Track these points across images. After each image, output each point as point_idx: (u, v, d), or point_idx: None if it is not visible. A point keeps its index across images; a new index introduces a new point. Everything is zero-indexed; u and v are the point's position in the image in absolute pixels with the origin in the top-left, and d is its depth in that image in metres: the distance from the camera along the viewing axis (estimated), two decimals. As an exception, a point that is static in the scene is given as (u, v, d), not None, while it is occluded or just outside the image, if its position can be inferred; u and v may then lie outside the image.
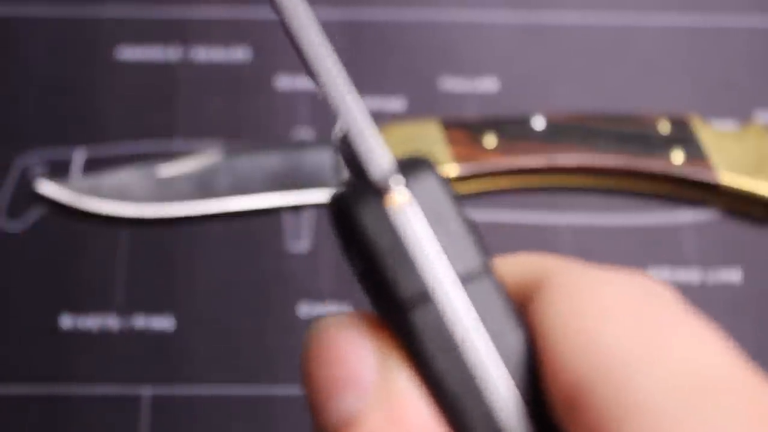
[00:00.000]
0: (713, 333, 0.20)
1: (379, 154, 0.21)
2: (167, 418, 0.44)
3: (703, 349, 0.19)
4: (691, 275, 0.47)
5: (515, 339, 0.20)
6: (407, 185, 0.21)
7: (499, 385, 0.20)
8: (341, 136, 0.21)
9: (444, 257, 0.20)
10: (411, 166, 0.21)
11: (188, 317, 0.46)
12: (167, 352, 0.45)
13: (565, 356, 0.19)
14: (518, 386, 0.20)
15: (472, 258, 0.21)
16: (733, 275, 0.47)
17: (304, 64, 0.21)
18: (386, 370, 0.20)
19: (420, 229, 0.20)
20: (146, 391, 0.44)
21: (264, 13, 0.53)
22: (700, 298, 0.47)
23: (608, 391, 0.18)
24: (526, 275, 0.22)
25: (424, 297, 0.20)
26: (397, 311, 0.20)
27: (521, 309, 0.21)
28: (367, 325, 0.21)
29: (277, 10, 0.20)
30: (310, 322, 0.22)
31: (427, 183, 0.21)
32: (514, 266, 0.23)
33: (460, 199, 0.21)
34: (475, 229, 0.21)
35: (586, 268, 0.21)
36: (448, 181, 0.21)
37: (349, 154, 0.22)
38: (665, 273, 0.47)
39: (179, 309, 0.46)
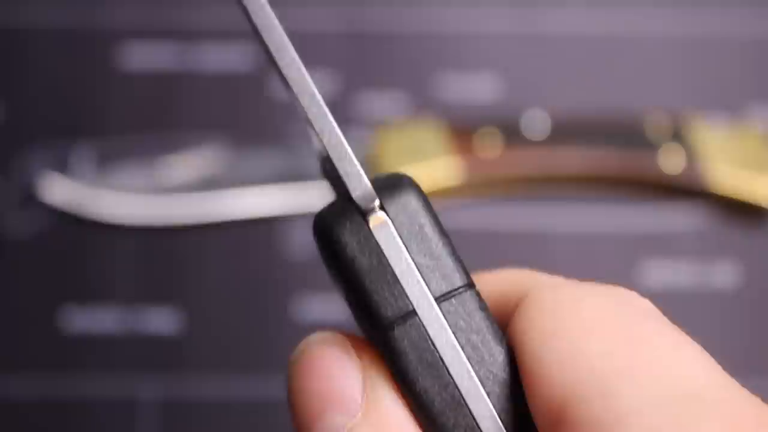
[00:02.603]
0: (692, 344, 0.20)
1: (356, 176, 0.21)
2: (166, 419, 0.44)
3: (684, 360, 0.19)
4: (687, 277, 0.48)
5: (497, 355, 0.21)
6: (386, 205, 0.21)
7: (482, 402, 0.20)
8: (323, 158, 0.22)
9: (424, 275, 0.21)
10: (390, 186, 0.21)
11: (189, 320, 0.46)
12: (168, 354, 0.45)
13: (549, 372, 0.19)
14: (502, 402, 0.20)
15: (452, 275, 0.21)
16: (728, 275, 0.48)
17: (284, 87, 0.21)
18: (372, 388, 0.20)
19: (399, 248, 0.21)
20: (147, 393, 0.44)
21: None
22: (695, 299, 0.47)
23: (593, 405, 0.18)
24: (507, 290, 0.22)
25: (406, 315, 0.21)
26: (380, 330, 0.21)
27: (503, 324, 0.21)
28: (351, 343, 0.21)
29: (258, 38, 0.21)
30: (309, 330, 0.22)
31: (406, 202, 0.21)
32: (494, 281, 0.23)
33: (439, 217, 0.21)
34: (453, 246, 0.21)
35: (566, 282, 0.22)
36: (426, 199, 0.21)
37: (331, 175, 0.22)
38: (660, 275, 0.48)
39: (180, 312, 0.46)
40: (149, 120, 0.50)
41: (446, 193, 0.48)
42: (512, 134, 0.49)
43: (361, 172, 0.21)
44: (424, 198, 0.21)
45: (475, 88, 0.52)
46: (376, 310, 0.21)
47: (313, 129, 0.21)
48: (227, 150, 0.49)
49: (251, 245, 0.48)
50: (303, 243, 0.48)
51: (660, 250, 0.48)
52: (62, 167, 0.49)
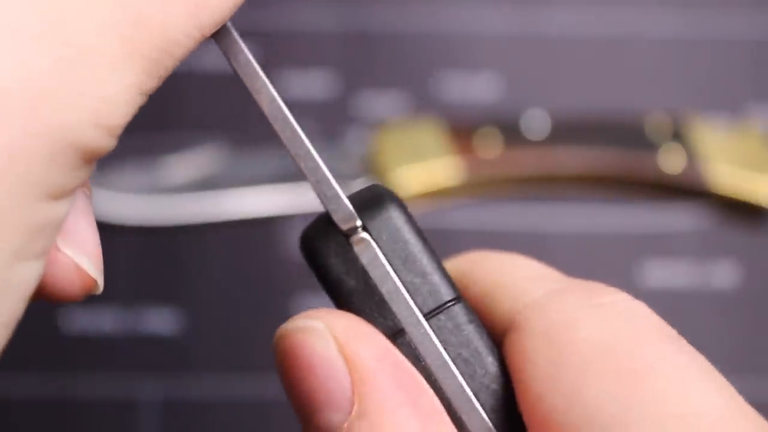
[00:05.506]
0: (695, 364, 0.19)
1: (335, 198, 0.21)
2: (167, 419, 0.44)
3: (689, 391, 0.19)
4: (687, 277, 0.48)
5: (489, 367, 0.21)
6: (368, 225, 0.21)
7: (477, 415, 0.21)
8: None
9: (411, 293, 0.21)
10: (371, 203, 0.21)
11: (189, 320, 0.46)
12: (168, 354, 0.45)
13: (550, 414, 0.19)
14: (496, 413, 0.21)
15: (439, 290, 0.21)
16: (728, 275, 0.48)
17: (266, 121, 0.21)
18: (362, 381, 0.20)
19: (384, 267, 0.21)
20: (147, 393, 0.44)
21: (267, 14, 0.53)
22: (695, 299, 0.47)
23: None
24: (485, 279, 0.22)
25: (396, 334, 0.21)
26: None
27: (493, 325, 0.21)
28: (338, 330, 0.21)
29: (241, 79, 0.21)
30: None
31: (388, 219, 0.21)
32: (462, 269, 0.23)
33: (422, 230, 0.21)
34: (439, 259, 0.21)
35: (554, 298, 0.21)
36: (408, 212, 0.21)
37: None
38: (660, 275, 0.48)
39: (180, 312, 0.46)
40: (149, 120, 0.50)
41: (446, 193, 0.48)
42: (512, 134, 0.49)
43: (340, 193, 0.21)
44: (406, 212, 0.21)
45: (475, 88, 0.52)
46: None
47: (290, 153, 0.21)
48: (227, 150, 0.49)
49: (251, 245, 0.48)
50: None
51: (660, 250, 0.48)
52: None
